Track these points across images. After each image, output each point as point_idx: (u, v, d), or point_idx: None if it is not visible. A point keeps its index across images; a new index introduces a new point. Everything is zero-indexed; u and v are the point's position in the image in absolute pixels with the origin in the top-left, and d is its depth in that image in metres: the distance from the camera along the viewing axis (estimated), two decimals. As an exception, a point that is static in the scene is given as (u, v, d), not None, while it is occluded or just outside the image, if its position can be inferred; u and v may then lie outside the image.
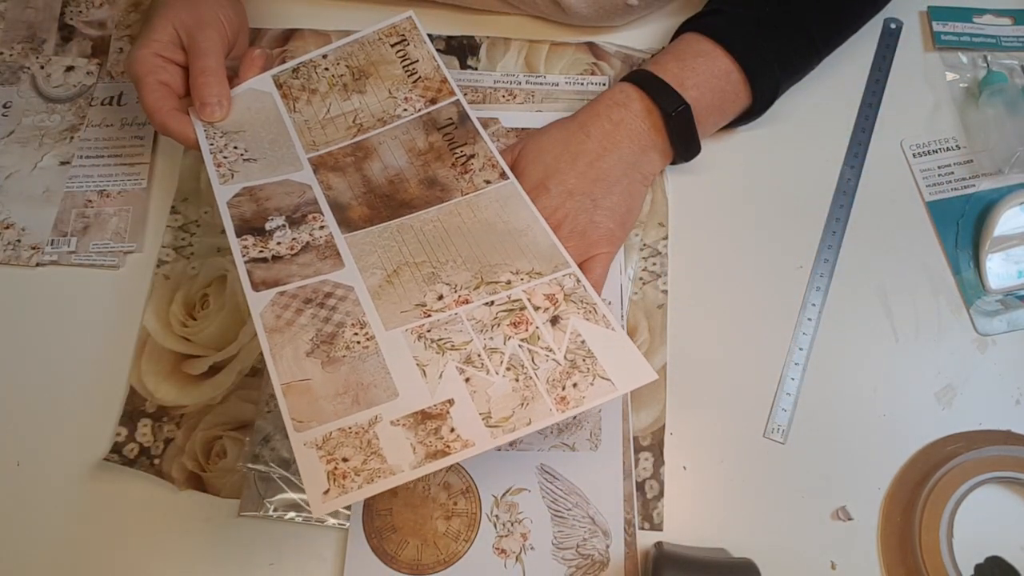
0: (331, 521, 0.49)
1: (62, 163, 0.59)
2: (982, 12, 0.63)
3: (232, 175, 0.52)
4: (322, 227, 0.50)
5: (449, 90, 0.55)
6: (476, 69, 0.61)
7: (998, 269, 0.55)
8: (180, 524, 0.50)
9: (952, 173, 0.58)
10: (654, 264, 0.55)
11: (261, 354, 0.53)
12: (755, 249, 0.56)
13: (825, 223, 0.57)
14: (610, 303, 0.53)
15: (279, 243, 0.49)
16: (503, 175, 0.52)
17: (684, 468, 0.51)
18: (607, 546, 0.48)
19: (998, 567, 0.48)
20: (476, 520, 0.49)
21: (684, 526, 0.50)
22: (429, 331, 0.46)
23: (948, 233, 0.56)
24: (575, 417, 0.50)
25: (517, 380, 0.44)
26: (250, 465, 0.50)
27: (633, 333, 0.54)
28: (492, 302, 0.47)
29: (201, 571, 0.49)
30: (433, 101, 0.55)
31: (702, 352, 0.53)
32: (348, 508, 0.49)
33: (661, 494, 0.50)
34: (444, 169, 0.52)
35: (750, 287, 0.55)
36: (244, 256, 0.49)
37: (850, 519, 0.50)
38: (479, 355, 0.45)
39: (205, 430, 0.52)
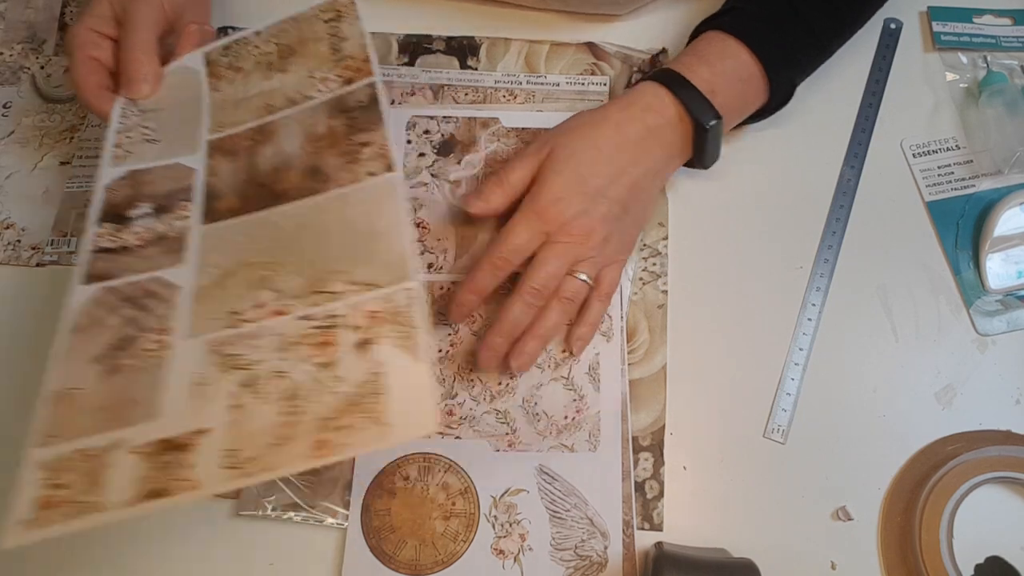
0: (330, 520, 0.49)
1: (62, 163, 0.59)
2: (982, 12, 0.63)
3: (126, 156, 0.49)
4: (184, 217, 0.46)
5: (368, 70, 0.50)
6: (476, 69, 0.61)
7: (998, 269, 0.55)
8: (180, 524, 0.50)
9: (952, 173, 0.58)
10: (654, 264, 0.55)
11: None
12: (755, 249, 0.56)
13: (825, 223, 0.57)
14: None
15: (135, 233, 0.46)
16: (389, 167, 0.45)
17: (684, 468, 0.51)
18: (605, 547, 0.48)
19: (998, 567, 0.48)
20: (475, 521, 0.49)
21: (684, 526, 0.50)
22: (229, 344, 0.41)
23: (948, 233, 0.56)
24: (573, 418, 0.51)
25: (286, 414, 0.38)
26: (250, 465, 0.50)
27: (633, 333, 0.54)
28: (308, 316, 0.41)
29: (201, 571, 0.49)
30: (349, 82, 0.50)
31: (702, 352, 0.53)
32: (346, 508, 0.49)
33: (661, 494, 0.50)
34: (333, 157, 0.47)
35: (750, 287, 0.55)
36: (93, 245, 0.45)
37: (850, 519, 0.50)
38: (262, 379, 0.39)
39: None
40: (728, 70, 0.52)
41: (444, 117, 0.59)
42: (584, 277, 0.50)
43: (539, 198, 0.49)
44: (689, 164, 0.55)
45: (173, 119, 0.51)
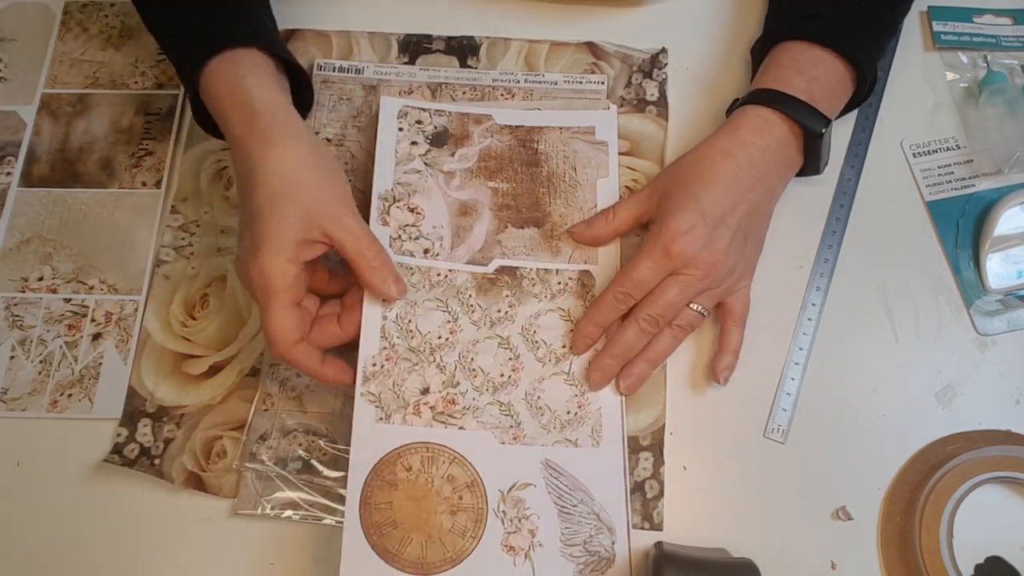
0: (329, 519, 0.49)
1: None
2: (982, 12, 0.63)
3: None
4: (8, 174, 0.52)
5: (177, 84, 0.55)
6: (476, 69, 0.61)
7: (998, 269, 0.55)
8: (180, 524, 0.50)
9: (952, 173, 0.58)
10: (654, 264, 0.55)
11: (262, 353, 0.53)
12: (755, 249, 0.56)
13: (825, 223, 0.57)
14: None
15: None
16: (158, 184, 0.54)
17: (684, 468, 0.51)
18: (612, 543, 0.48)
19: (998, 567, 0.48)
20: (483, 516, 0.48)
21: (684, 526, 0.49)
22: (16, 305, 0.52)
23: (948, 233, 0.56)
24: (575, 413, 0.50)
25: (40, 377, 0.51)
26: (247, 464, 0.50)
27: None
28: (70, 299, 0.52)
29: (201, 571, 0.49)
30: (160, 86, 0.56)
31: (702, 352, 0.53)
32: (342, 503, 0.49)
33: (661, 494, 0.50)
34: (123, 156, 0.53)
35: (750, 287, 0.55)
36: None
37: (850, 519, 0.50)
38: (30, 342, 0.51)
39: (205, 430, 0.52)
40: (821, 75, 0.52)
41: (436, 111, 0.59)
42: (700, 309, 0.51)
43: (663, 235, 0.49)
44: (801, 173, 0.55)
45: (23, 56, 0.54)
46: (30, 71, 0.55)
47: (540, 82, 0.61)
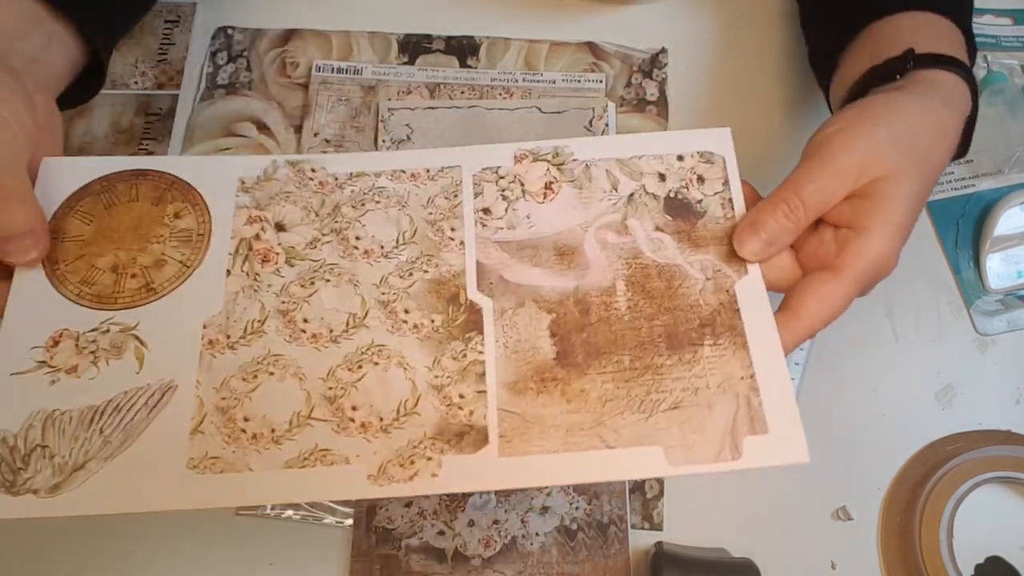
0: (329, 519, 0.49)
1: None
2: (982, 12, 0.63)
3: None
4: None
5: (177, 84, 0.55)
6: (475, 69, 0.61)
7: (998, 269, 0.55)
8: (180, 524, 0.50)
9: (952, 173, 0.58)
10: (654, 264, 0.55)
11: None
12: (755, 249, 0.56)
13: (825, 223, 0.57)
14: None
15: None
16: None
17: (684, 468, 0.51)
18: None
19: (998, 567, 0.48)
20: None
21: (684, 526, 0.49)
22: None
23: (948, 233, 0.56)
24: None
25: None
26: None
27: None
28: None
29: (201, 571, 0.49)
30: (160, 86, 0.56)
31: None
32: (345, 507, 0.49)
33: (661, 494, 0.50)
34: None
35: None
36: None
37: (850, 519, 0.50)
38: None
39: (204, 430, 0.52)
40: (955, 48, 0.44)
41: (427, 108, 0.58)
42: None
43: (863, 259, 0.39)
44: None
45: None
46: None
47: (538, 81, 0.61)
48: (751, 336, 0.39)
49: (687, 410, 0.37)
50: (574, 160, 0.43)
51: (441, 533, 0.49)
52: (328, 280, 0.40)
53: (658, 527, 0.49)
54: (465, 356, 0.38)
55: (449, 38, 0.62)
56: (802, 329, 0.39)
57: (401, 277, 0.40)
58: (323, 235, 0.41)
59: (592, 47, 0.62)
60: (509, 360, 0.38)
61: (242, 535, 0.49)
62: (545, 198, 0.43)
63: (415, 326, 0.39)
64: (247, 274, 0.40)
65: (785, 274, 0.41)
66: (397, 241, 0.41)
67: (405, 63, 0.61)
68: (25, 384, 0.37)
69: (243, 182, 0.42)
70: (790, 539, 0.49)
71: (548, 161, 0.43)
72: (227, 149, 0.58)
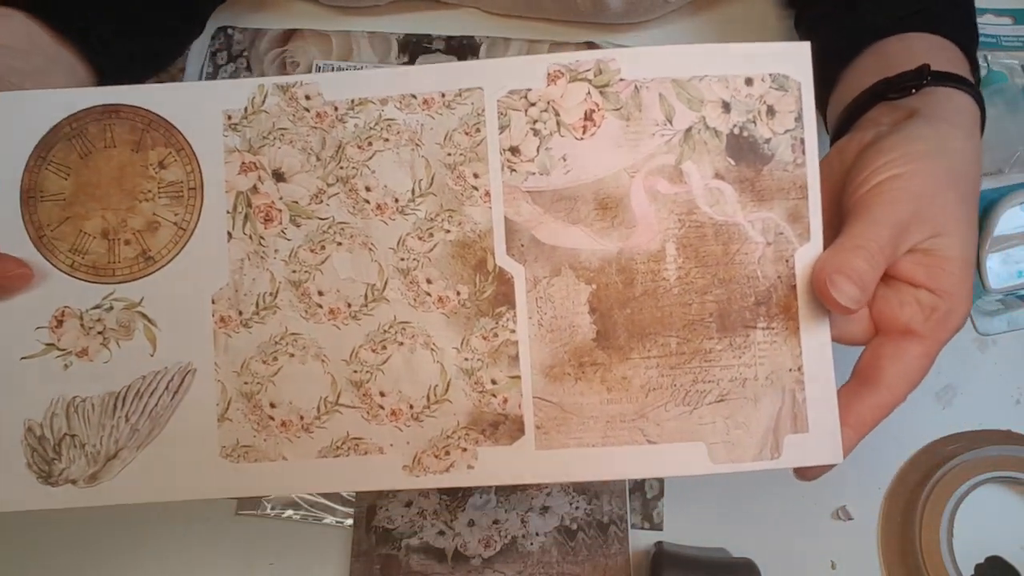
0: (329, 519, 0.49)
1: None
2: (982, 12, 0.63)
3: None
4: None
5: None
6: (476, 69, 0.61)
7: (998, 269, 0.55)
8: (180, 524, 0.50)
9: (952, 173, 0.58)
10: (654, 264, 0.55)
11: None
12: (755, 249, 0.56)
13: (825, 223, 0.57)
14: None
15: None
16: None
17: (684, 468, 0.51)
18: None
19: (998, 567, 0.48)
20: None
21: (684, 526, 0.49)
22: None
23: (948, 233, 0.56)
24: None
25: None
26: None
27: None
28: None
29: (201, 571, 0.49)
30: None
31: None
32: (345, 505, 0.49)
33: (661, 494, 0.50)
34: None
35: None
36: None
37: (850, 519, 0.50)
38: None
39: (205, 430, 0.52)
40: (965, 73, 0.43)
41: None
42: None
43: (953, 329, 0.36)
44: None
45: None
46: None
47: (540, 82, 0.60)
48: (804, 321, 0.34)
49: (733, 403, 0.34)
50: (620, 80, 0.35)
51: (441, 533, 0.49)
52: (340, 243, 0.36)
53: (658, 527, 0.49)
54: (496, 336, 0.35)
55: (449, 38, 0.62)
56: (888, 401, 0.36)
57: (420, 239, 0.36)
58: (328, 185, 0.36)
59: (592, 48, 0.62)
60: (544, 340, 0.35)
61: (242, 535, 0.49)
62: (585, 132, 0.35)
63: (440, 299, 0.36)
64: (250, 237, 0.36)
65: (863, 327, 0.37)
66: (413, 192, 0.36)
67: (405, 63, 0.61)
68: (38, 369, 0.36)
69: (229, 117, 0.37)
70: (790, 539, 0.49)
71: (589, 81, 0.35)
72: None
